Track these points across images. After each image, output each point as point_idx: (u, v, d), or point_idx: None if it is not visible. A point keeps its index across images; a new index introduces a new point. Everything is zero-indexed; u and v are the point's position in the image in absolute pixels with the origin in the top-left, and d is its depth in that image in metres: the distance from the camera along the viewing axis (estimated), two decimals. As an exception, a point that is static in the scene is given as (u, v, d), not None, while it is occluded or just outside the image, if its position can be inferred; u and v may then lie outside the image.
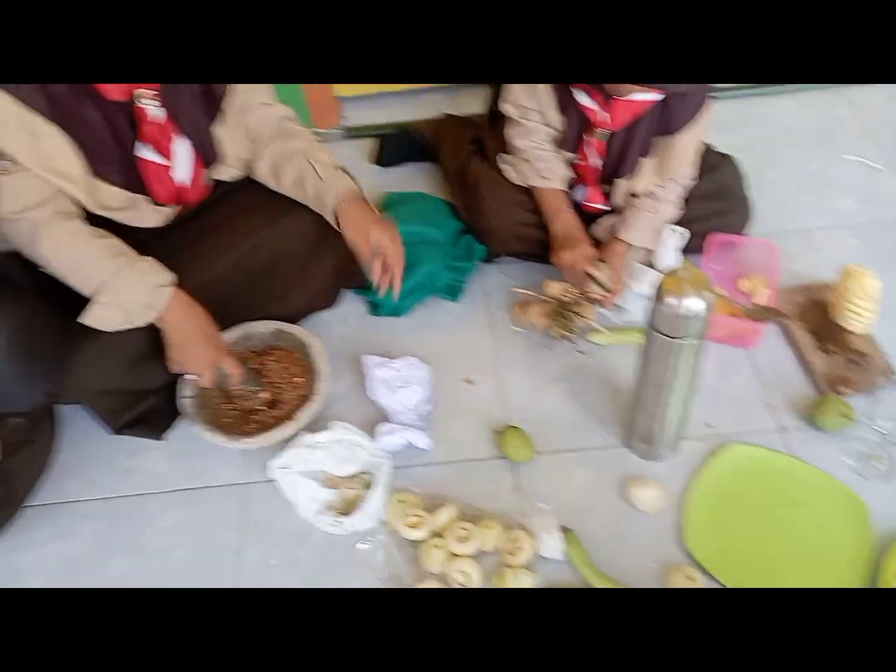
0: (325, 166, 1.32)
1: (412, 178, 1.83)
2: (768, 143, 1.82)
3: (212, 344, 1.25)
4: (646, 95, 1.33)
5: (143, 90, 1.15)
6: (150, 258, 1.20)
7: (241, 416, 1.34)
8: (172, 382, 1.33)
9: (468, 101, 1.97)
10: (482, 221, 1.56)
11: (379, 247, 1.28)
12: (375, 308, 1.54)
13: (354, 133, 1.99)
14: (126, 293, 1.16)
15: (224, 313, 1.31)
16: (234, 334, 1.38)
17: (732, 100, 1.91)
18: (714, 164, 1.54)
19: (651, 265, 1.48)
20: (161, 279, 1.19)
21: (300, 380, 1.37)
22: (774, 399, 1.36)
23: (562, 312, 1.41)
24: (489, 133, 1.63)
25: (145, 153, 1.20)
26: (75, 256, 1.15)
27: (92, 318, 1.17)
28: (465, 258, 1.56)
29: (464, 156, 1.64)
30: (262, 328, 1.40)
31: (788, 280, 1.50)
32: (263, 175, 1.38)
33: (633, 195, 1.46)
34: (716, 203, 1.51)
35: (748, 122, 1.87)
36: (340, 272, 1.47)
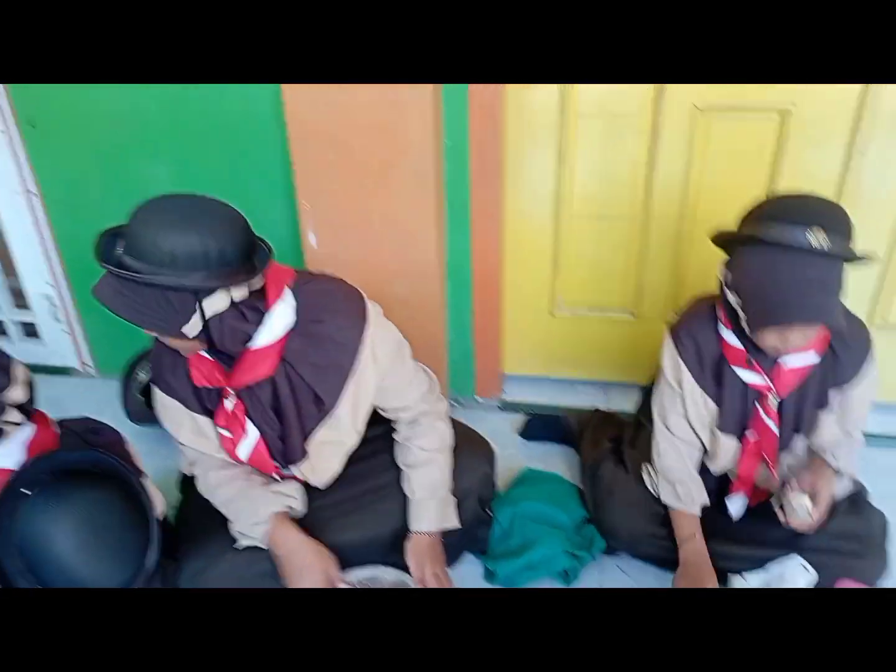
0: (429, 490, 1.50)
1: (553, 458, 1.98)
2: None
3: (307, 580, 1.39)
4: (805, 359, 1.40)
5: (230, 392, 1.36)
6: (262, 493, 1.43)
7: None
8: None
9: (620, 400, 2.15)
10: (607, 521, 1.64)
11: (427, 583, 1.47)
12: (490, 576, 1.62)
13: (510, 407, 2.20)
14: (239, 528, 1.41)
15: (356, 556, 1.49)
16: (361, 573, 1.49)
17: (889, 448, 1.95)
18: (862, 507, 1.56)
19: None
20: (258, 517, 1.40)
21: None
22: None
23: None
24: (632, 437, 1.74)
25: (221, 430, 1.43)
26: (215, 501, 1.46)
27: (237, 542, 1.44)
28: (586, 547, 1.63)
29: (601, 452, 1.76)
30: (388, 576, 1.50)
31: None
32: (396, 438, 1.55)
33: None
34: (853, 544, 1.50)
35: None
36: (465, 535, 1.59)
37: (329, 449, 1.46)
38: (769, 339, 1.33)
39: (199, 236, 1.10)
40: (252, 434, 1.40)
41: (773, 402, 1.45)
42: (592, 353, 2.17)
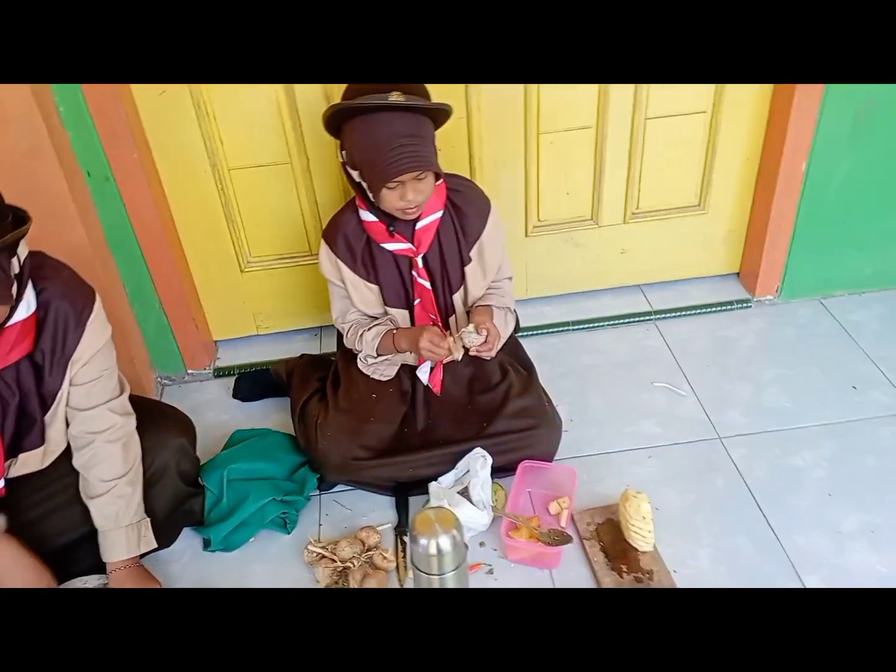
0: (112, 520, 1.41)
1: (271, 413, 1.99)
2: (587, 372, 2.02)
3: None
4: (432, 217, 1.58)
5: None
6: None
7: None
8: None
9: (333, 342, 2.19)
10: (318, 452, 1.69)
11: None
12: (207, 544, 1.62)
13: (225, 372, 2.16)
14: None
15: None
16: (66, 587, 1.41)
17: (558, 334, 2.16)
18: (531, 388, 1.74)
19: (466, 493, 1.61)
20: None
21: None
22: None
23: (344, 575, 1.53)
24: (334, 373, 1.83)
25: None
26: None
27: None
28: (298, 491, 1.67)
29: (308, 391, 1.82)
30: (94, 582, 1.44)
31: (594, 501, 1.63)
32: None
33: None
34: (529, 419, 1.68)
35: (571, 353, 2.08)
36: (175, 512, 1.57)
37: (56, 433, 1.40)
38: (391, 199, 1.48)
39: None
40: None
41: (419, 262, 1.61)
42: (294, 302, 2.17)
